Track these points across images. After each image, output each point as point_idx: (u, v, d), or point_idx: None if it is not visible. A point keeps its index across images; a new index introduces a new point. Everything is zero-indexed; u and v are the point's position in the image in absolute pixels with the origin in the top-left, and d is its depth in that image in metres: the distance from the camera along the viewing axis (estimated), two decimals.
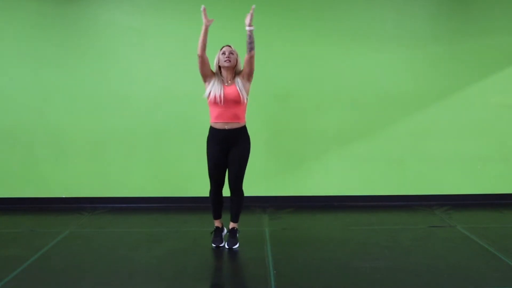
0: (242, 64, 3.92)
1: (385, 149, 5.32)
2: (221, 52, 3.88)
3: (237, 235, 4.10)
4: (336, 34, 5.20)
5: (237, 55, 3.90)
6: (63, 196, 5.33)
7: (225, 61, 3.83)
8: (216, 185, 3.98)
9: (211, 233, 4.16)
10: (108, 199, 5.31)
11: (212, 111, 3.88)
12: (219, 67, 3.91)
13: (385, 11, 5.21)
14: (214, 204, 4.06)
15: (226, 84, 3.86)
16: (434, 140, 5.33)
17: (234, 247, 4.01)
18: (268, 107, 5.24)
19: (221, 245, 4.06)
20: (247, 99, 3.87)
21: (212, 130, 3.91)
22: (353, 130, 5.29)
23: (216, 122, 3.86)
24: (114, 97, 5.22)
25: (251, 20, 3.74)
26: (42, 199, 5.30)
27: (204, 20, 3.73)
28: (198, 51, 3.79)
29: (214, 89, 3.81)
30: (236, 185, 3.96)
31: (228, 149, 3.90)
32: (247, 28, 3.75)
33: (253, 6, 3.73)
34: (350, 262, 3.72)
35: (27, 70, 5.17)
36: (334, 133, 5.31)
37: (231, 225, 4.12)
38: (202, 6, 3.71)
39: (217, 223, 4.14)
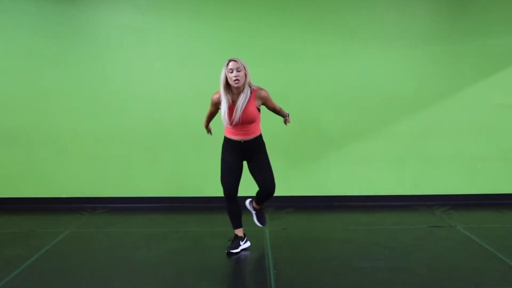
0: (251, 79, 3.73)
1: (385, 149, 5.32)
2: (228, 69, 3.60)
3: (263, 211, 4.22)
4: (336, 34, 5.20)
5: (244, 68, 3.63)
6: (63, 196, 5.33)
7: (234, 81, 3.58)
8: (230, 193, 3.86)
9: (229, 240, 4.03)
10: (108, 199, 5.31)
11: (226, 127, 3.81)
12: (227, 82, 3.65)
13: (385, 11, 5.21)
14: (231, 214, 3.96)
15: (235, 103, 3.68)
16: (434, 140, 5.33)
17: (265, 225, 4.20)
18: None
19: (233, 251, 3.89)
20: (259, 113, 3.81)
21: (228, 140, 3.85)
22: (353, 130, 5.30)
23: (232, 136, 3.81)
24: (114, 97, 5.22)
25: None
26: (42, 199, 5.30)
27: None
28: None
29: (223, 110, 3.69)
30: (272, 187, 3.89)
31: (246, 157, 3.87)
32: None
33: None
34: (350, 262, 3.72)
35: (27, 70, 5.17)
36: (334, 133, 5.31)
37: (259, 206, 4.13)
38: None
39: (237, 232, 4.01)
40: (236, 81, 3.59)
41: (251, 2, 5.18)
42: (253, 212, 4.16)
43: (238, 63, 3.60)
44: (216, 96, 3.75)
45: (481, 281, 3.39)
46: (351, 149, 5.31)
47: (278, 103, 5.23)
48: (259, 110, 3.81)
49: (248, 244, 4.04)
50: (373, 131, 5.31)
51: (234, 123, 3.69)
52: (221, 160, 3.91)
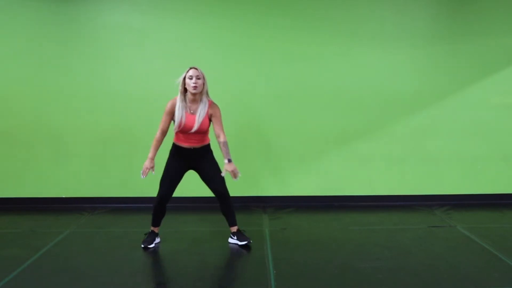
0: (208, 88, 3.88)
1: (385, 149, 5.33)
2: (188, 75, 3.78)
3: (244, 232, 4.19)
4: (336, 34, 5.20)
5: (203, 78, 3.81)
6: (63, 196, 5.33)
7: (192, 87, 3.75)
8: (163, 198, 3.98)
9: (145, 234, 4.18)
10: (108, 199, 5.31)
11: (176, 133, 3.94)
12: (185, 89, 3.83)
13: (385, 11, 5.20)
14: (157, 213, 4.08)
15: (189, 111, 3.83)
16: (434, 140, 5.33)
17: (251, 241, 4.09)
18: (268, 107, 5.25)
19: (149, 246, 4.06)
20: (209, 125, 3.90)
21: (177, 146, 3.97)
22: (353, 130, 5.29)
23: (182, 144, 3.92)
24: (114, 97, 5.22)
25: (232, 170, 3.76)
26: (42, 199, 5.31)
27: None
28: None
29: (178, 116, 3.80)
30: (224, 191, 4.00)
31: (192, 164, 3.98)
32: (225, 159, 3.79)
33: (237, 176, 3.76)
34: (350, 262, 3.72)
35: (27, 70, 5.17)
36: (334, 133, 5.31)
37: (235, 228, 4.16)
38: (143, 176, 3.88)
39: (154, 229, 4.17)
40: (195, 87, 3.74)
41: (251, 2, 5.18)
42: (234, 238, 4.17)
43: (198, 71, 3.78)
44: (172, 102, 3.85)
45: (481, 281, 3.39)
46: (351, 149, 5.31)
47: (278, 103, 5.26)
48: (210, 121, 3.91)
49: (159, 239, 4.18)
50: (373, 131, 5.31)
51: (193, 130, 3.80)
52: (166, 164, 4.01)
